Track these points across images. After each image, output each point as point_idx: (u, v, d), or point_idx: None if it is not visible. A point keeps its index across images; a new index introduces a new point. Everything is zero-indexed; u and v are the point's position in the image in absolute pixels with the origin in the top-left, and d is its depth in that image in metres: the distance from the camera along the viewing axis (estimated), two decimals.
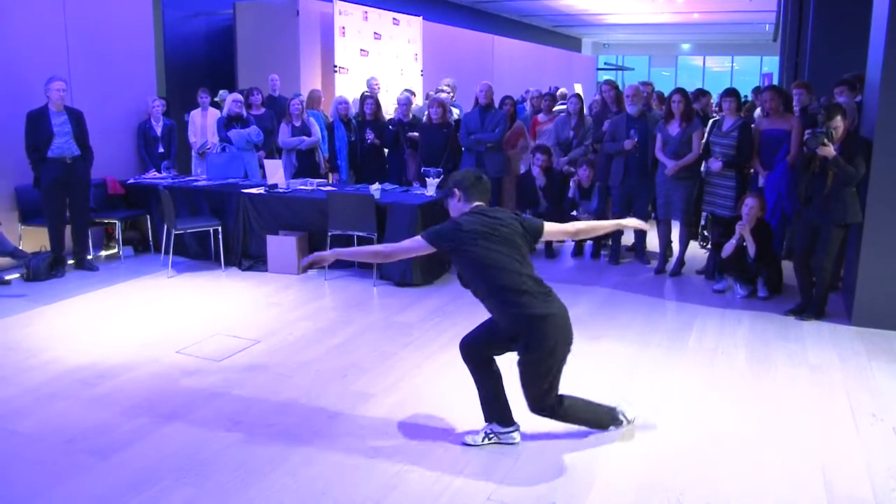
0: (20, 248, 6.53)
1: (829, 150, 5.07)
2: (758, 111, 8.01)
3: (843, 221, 5.29)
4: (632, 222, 3.97)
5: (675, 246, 7.05)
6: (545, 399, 3.39)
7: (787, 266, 6.35)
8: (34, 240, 6.97)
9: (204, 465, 3.39)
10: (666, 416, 3.92)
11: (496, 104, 7.87)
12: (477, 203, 3.41)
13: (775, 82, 12.40)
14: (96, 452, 3.51)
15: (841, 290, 6.08)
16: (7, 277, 6.46)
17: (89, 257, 7.07)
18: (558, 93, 10.13)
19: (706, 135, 6.64)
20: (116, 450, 3.53)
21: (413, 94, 9.62)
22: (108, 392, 4.21)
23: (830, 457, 3.48)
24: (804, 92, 6.47)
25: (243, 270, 7.01)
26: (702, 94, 8.63)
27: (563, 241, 8.15)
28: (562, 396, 3.45)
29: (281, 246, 6.85)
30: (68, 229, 6.89)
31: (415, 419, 3.88)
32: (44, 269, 6.53)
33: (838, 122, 5.13)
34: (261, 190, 7.16)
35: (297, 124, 8.19)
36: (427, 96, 10.25)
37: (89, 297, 6.14)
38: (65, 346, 4.97)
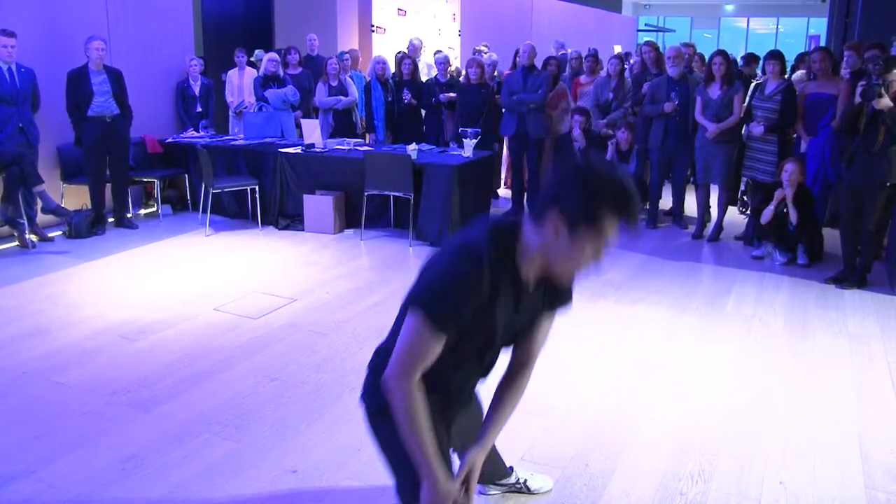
0: (62, 205, 6.65)
1: (886, 102, 4.92)
2: (797, 73, 7.75)
3: (889, 181, 5.16)
4: None
5: (714, 211, 6.96)
6: None
7: (829, 233, 6.24)
8: (76, 198, 7.10)
9: (242, 420, 3.46)
10: (701, 381, 3.90)
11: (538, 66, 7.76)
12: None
13: (822, 45, 12.04)
14: (139, 405, 3.60)
15: (883, 259, 5.96)
16: (50, 234, 6.59)
17: (129, 215, 7.17)
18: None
19: (748, 98, 6.49)
20: (158, 403, 3.62)
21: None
22: (149, 347, 4.30)
23: (868, 427, 3.44)
24: (855, 54, 6.24)
25: (280, 229, 7.07)
26: (753, 58, 8.34)
27: None
28: None
29: (318, 205, 6.88)
30: (108, 188, 6.99)
31: None
32: (85, 227, 6.66)
33: (895, 76, 4.99)
34: (298, 149, 7.18)
35: (334, 84, 8.16)
36: (474, 51, 10.13)
37: (129, 255, 6.25)
38: (106, 301, 5.07)
